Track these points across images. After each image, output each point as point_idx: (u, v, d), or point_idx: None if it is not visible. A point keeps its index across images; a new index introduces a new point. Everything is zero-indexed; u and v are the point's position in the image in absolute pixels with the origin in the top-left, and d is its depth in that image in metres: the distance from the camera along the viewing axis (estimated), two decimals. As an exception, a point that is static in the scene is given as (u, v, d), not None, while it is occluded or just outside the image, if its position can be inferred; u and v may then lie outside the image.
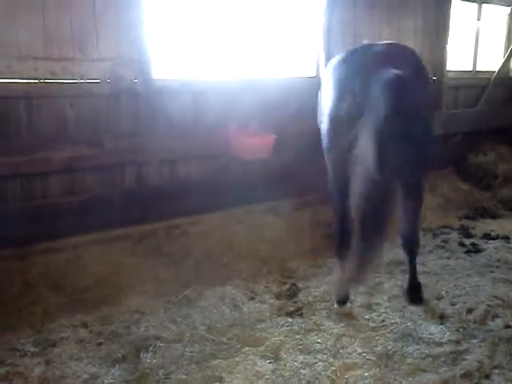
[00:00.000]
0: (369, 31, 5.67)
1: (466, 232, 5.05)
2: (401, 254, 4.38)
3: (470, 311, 3.37)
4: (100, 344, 3.06)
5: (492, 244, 4.70)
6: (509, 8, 7.64)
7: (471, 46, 7.15)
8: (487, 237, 4.91)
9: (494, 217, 5.67)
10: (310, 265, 4.31)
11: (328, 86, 3.46)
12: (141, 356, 2.92)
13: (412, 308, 3.47)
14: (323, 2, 5.42)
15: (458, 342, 2.99)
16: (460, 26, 6.85)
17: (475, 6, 6.97)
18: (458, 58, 6.99)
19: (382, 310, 3.44)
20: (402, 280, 3.85)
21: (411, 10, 6.14)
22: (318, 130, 5.67)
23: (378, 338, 3.10)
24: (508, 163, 6.55)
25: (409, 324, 3.23)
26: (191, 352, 2.97)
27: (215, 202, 4.96)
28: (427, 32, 6.36)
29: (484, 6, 7.03)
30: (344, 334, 3.15)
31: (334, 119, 3.29)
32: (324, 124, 3.58)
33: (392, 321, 3.28)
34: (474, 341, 3.01)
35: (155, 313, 3.42)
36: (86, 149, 4.07)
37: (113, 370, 2.79)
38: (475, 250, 4.56)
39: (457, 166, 6.76)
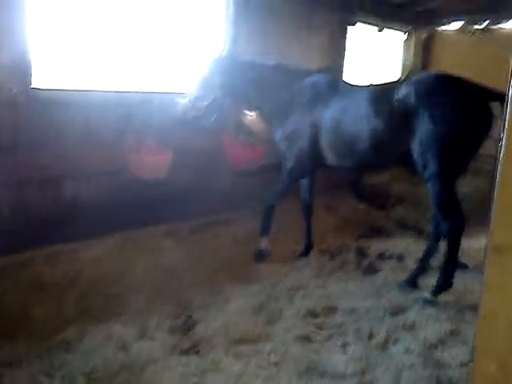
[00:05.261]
0: (278, 46, 5.65)
1: (362, 252, 5.07)
2: (301, 278, 4.32)
3: (371, 336, 3.29)
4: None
5: (388, 264, 4.75)
6: (405, 35, 8.13)
7: (372, 67, 7.48)
8: (382, 256, 4.97)
9: (388, 235, 5.80)
10: (207, 293, 4.01)
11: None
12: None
13: (313, 336, 3.32)
14: (229, 14, 5.31)
15: (362, 373, 2.87)
16: (361, 47, 7.15)
17: (376, 30, 7.34)
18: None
19: (284, 342, 3.24)
20: (301, 306, 3.72)
21: (318, 28, 6.24)
22: (218, 147, 5.51)
23: (281, 374, 2.88)
24: (401, 183, 6.82)
25: (312, 356, 3.05)
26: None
27: (111, 224, 4.52)
28: (332, 50, 6.51)
29: (384, 30, 7.41)
30: (244, 373, 2.89)
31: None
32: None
33: (295, 353, 3.08)
34: (378, 370, 2.90)
35: (23, 364, 2.90)
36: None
37: None
38: (372, 270, 4.58)
39: (354, 186, 6.90)
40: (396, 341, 3.22)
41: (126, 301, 3.75)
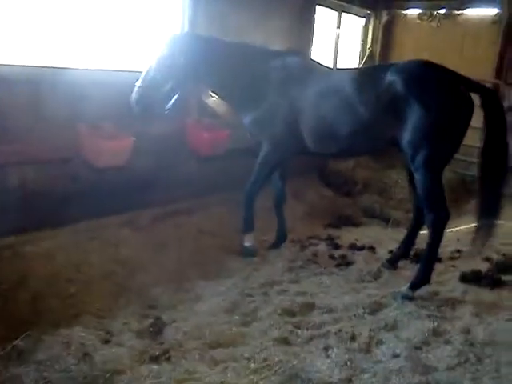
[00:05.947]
0: (237, 28, 5.28)
1: (333, 242, 4.93)
2: (273, 272, 4.11)
3: (353, 338, 3.11)
4: None
5: (360, 255, 4.62)
6: (363, 19, 7.95)
7: (333, 50, 7.26)
8: (354, 247, 4.83)
9: (356, 224, 5.70)
10: (175, 290, 3.73)
11: None
12: None
13: (292, 338, 3.11)
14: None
15: (349, 381, 2.68)
16: (324, 31, 6.89)
17: (335, 14, 7.08)
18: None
19: (262, 345, 3.00)
20: (277, 304, 3.50)
21: (278, 11, 5.91)
22: (180, 130, 5.14)
23: (261, 383, 2.65)
24: (367, 170, 6.73)
25: (295, 362, 2.82)
26: None
27: (62, 215, 4.12)
28: (293, 33, 6.19)
29: (343, 14, 7.17)
30: (222, 382, 2.64)
31: None
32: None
33: (276, 358, 2.84)
34: (366, 376, 2.72)
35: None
36: None
37: None
38: (345, 262, 4.42)
39: (319, 172, 6.74)
40: (379, 342, 3.05)
41: (84, 301, 3.42)
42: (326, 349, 2.99)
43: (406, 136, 3.58)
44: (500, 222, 6.09)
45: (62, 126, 4.02)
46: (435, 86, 3.57)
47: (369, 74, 3.88)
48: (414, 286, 3.72)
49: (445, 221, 3.63)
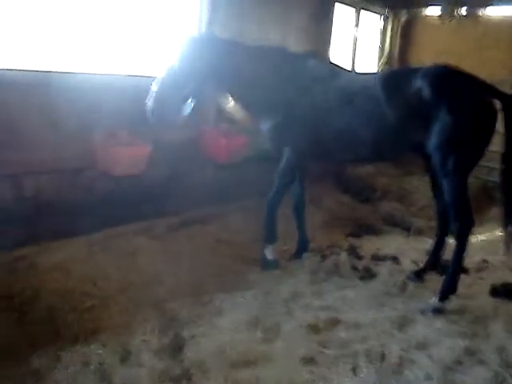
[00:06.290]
0: (255, 28, 5.18)
1: (355, 252, 4.76)
2: (296, 284, 3.97)
3: (383, 357, 2.96)
4: None
5: (383, 266, 4.45)
6: (381, 19, 7.80)
7: (350, 50, 7.13)
8: (376, 258, 4.67)
9: (376, 233, 5.54)
10: (193, 303, 3.59)
11: None
12: None
13: (318, 357, 2.97)
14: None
15: (381, 406, 2.54)
16: (341, 30, 6.78)
17: (354, 12, 6.96)
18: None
19: (288, 365, 2.86)
20: (301, 319, 3.36)
21: (297, 9, 5.79)
22: (197, 137, 5.03)
23: (289, 406, 2.52)
24: (386, 177, 6.57)
25: (320, 382, 2.70)
26: None
27: (76, 225, 4.03)
28: (311, 32, 6.08)
29: (362, 12, 7.05)
30: (247, 406, 2.51)
31: None
32: None
33: (302, 380, 2.72)
34: (398, 401, 2.59)
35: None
36: None
37: None
38: (369, 274, 4.26)
39: (336, 177, 6.59)
40: (410, 362, 2.91)
41: (101, 316, 3.29)
42: (354, 369, 2.85)
43: (434, 141, 3.51)
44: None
45: (75, 133, 3.93)
46: (464, 92, 3.53)
47: (395, 78, 3.75)
48: (443, 297, 3.61)
49: (470, 228, 3.59)
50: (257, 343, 3.07)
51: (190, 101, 3.97)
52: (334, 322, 3.37)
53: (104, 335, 3.06)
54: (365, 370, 2.84)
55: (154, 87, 3.83)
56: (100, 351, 2.87)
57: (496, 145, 3.79)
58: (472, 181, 6.05)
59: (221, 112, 5.16)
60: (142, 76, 4.57)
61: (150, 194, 4.49)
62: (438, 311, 3.53)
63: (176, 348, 3.00)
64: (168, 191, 4.67)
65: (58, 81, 3.87)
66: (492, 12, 7.18)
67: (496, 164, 5.81)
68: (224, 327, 3.24)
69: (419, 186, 6.34)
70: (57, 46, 4.05)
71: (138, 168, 4.11)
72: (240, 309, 3.50)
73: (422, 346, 3.09)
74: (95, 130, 3.98)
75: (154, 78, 3.93)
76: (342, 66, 4.31)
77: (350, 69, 4.22)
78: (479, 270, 4.48)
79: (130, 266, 3.97)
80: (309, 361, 2.91)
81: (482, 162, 5.46)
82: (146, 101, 3.82)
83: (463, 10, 7.30)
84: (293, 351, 3.00)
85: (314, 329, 3.27)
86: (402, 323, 3.37)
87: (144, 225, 4.55)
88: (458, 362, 2.92)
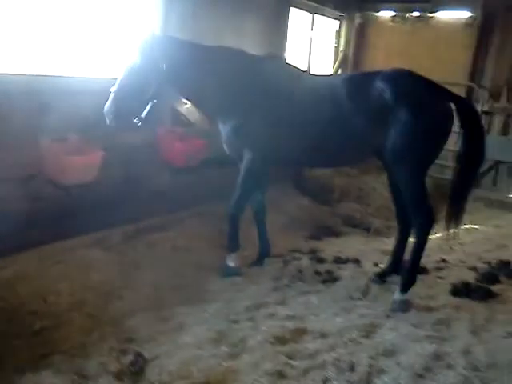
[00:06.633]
0: (210, 30, 5.02)
1: (316, 256, 4.71)
2: (258, 293, 3.86)
3: (352, 367, 2.89)
4: None
5: (345, 269, 4.41)
6: (337, 22, 7.82)
7: (306, 52, 7.10)
8: (338, 260, 4.63)
9: (337, 235, 5.53)
10: (153, 319, 3.41)
11: None
12: None
13: (286, 370, 2.87)
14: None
15: (355, 421, 2.47)
16: (297, 33, 6.74)
17: (309, 16, 6.92)
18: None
19: (255, 381, 2.74)
20: (266, 331, 3.24)
21: (252, 13, 5.69)
22: (152, 141, 4.81)
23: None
24: (343, 176, 6.58)
25: (291, 398, 2.59)
26: None
27: (23, 238, 3.74)
28: (267, 35, 6.00)
29: (317, 17, 7.01)
30: (217, 431, 2.37)
31: None
32: None
33: (270, 394, 2.61)
34: (371, 414, 2.52)
35: None
36: None
37: None
38: (332, 278, 4.21)
39: (294, 179, 6.54)
40: (380, 371, 2.85)
41: (52, 338, 3.06)
42: (325, 381, 2.77)
43: (394, 143, 3.55)
44: (476, 226, 6.11)
45: (23, 139, 3.65)
46: (423, 95, 3.58)
47: (357, 82, 3.72)
48: (404, 288, 3.69)
49: (431, 224, 3.64)
50: (222, 360, 2.93)
51: (149, 103, 3.81)
52: (301, 332, 3.27)
53: (56, 359, 2.85)
54: (335, 382, 2.76)
55: (113, 88, 3.66)
56: (52, 379, 2.65)
57: (448, 144, 3.88)
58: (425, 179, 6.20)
59: (177, 114, 4.96)
60: (95, 78, 4.33)
61: (103, 201, 4.25)
62: (404, 304, 3.62)
63: (137, 370, 2.81)
64: (123, 198, 4.44)
65: (3, 83, 3.59)
66: (444, 15, 7.35)
67: (448, 162, 5.92)
68: (187, 344, 3.08)
69: (375, 186, 6.39)
70: (2, 46, 3.76)
71: (89, 175, 3.87)
72: (203, 323, 3.35)
73: (390, 352, 3.04)
74: (44, 134, 3.70)
75: (108, 80, 3.73)
76: (301, 68, 4.24)
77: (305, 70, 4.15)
78: (438, 269, 4.52)
79: (84, 281, 3.75)
80: (277, 374, 2.80)
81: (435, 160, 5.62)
82: (106, 104, 3.62)
83: (415, 13, 7.45)
84: (259, 365, 2.87)
85: (281, 340, 3.16)
86: (369, 330, 3.31)
87: (98, 235, 4.32)
88: (427, 369, 2.88)
